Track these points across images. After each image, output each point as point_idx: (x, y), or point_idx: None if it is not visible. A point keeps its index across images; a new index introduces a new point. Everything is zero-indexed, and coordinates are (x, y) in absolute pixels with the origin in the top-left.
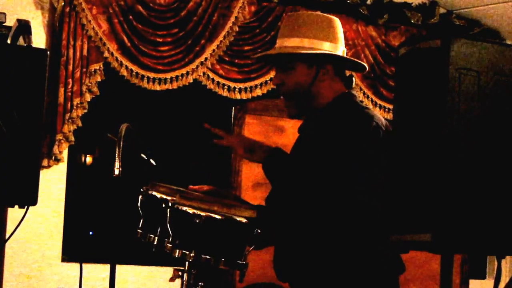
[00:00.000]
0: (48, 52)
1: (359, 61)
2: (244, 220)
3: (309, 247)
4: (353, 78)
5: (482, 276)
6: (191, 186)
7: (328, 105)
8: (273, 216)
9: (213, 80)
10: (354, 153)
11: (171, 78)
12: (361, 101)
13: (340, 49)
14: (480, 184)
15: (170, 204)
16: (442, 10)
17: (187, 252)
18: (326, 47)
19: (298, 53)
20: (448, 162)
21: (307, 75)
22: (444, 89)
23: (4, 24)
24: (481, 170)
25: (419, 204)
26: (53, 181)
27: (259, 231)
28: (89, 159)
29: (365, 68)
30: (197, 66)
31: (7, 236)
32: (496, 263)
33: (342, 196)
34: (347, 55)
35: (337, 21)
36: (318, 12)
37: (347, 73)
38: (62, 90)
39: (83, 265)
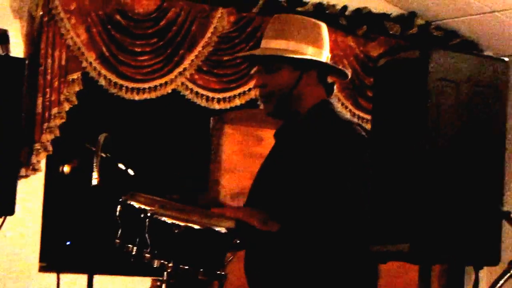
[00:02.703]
0: (26, 61)
1: (342, 68)
2: (223, 230)
3: (288, 256)
4: (334, 86)
5: (460, 287)
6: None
7: (307, 112)
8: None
9: (192, 90)
10: (341, 163)
11: (150, 87)
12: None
13: (325, 55)
14: (458, 196)
15: (149, 214)
16: (420, 21)
17: (166, 262)
18: (310, 52)
19: (284, 56)
20: (427, 173)
21: (291, 78)
22: (423, 101)
23: None
24: (459, 182)
25: (397, 215)
26: (31, 190)
27: (238, 241)
28: (67, 169)
29: (348, 75)
30: (176, 76)
31: None
32: (474, 274)
33: (328, 207)
34: None
35: (323, 27)
36: (305, 17)
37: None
38: (40, 99)
39: (61, 275)
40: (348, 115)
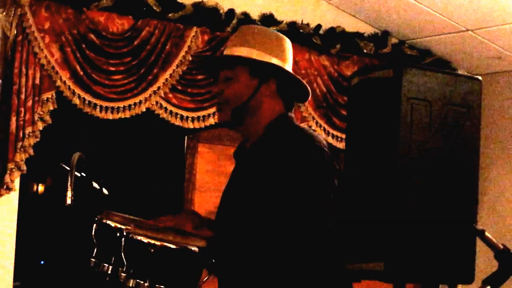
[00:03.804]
0: (0, 81)
1: (303, 81)
2: (198, 250)
3: (261, 277)
4: (294, 102)
5: None
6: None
7: (266, 129)
8: (224, 247)
9: (166, 109)
10: (301, 180)
11: (124, 107)
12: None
13: (288, 69)
14: (432, 214)
15: (124, 233)
16: (394, 40)
17: (141, 282)
18: (273, 62)
19: (242, 57)
20: (401, 193)
21: (248, 86)
22: (396, 120)
23: None
24: (433, 200)
25: (371, 233)
26: (4, 210)
27: (214, 260)
28: (41, 188)
29: (308, 94)
30: (150, 95)
31: None
32: None
33: (296, 226)
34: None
35: (288, 42)
36: (269, 29)
37: None
38: (14, 118)
39: None
40: (309, 129)
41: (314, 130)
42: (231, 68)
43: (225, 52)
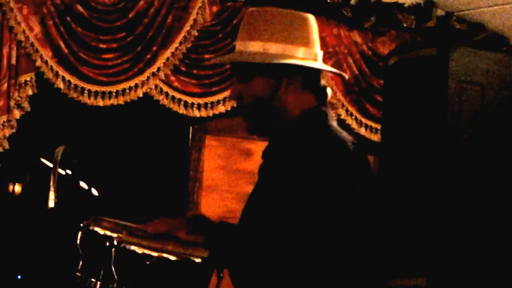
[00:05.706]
0: None
1: (333, 70)
2: (200, 261)
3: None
4: (328, 91)
5: None
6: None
7: (294, 123)
8: (232, 257)
9: (167, 94)
10: (325, 189)
11: (117, 91)
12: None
13: (314, 54)
14: (482, 224)
15: (115, 243)
16: (440, 12)
17: None
18: (300, 53)
19: (252, 62)
20: (445, 198)
21: (266, 87)
22: (442, 107)
23: None
24: (484, 206)
25: (414, 249)
26: None
27: (221, 274)
28: (18, 189)
29: (344, 76)
30: (148, 78)
31: None
32: None
33: (319, 239)
34: (326, 63)
35: (310, 19)
36: (286, 10)
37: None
38: None
39: None
40: (344, 133)
41: (344, 121)
42: (243, 69)
43: (237, 47)
